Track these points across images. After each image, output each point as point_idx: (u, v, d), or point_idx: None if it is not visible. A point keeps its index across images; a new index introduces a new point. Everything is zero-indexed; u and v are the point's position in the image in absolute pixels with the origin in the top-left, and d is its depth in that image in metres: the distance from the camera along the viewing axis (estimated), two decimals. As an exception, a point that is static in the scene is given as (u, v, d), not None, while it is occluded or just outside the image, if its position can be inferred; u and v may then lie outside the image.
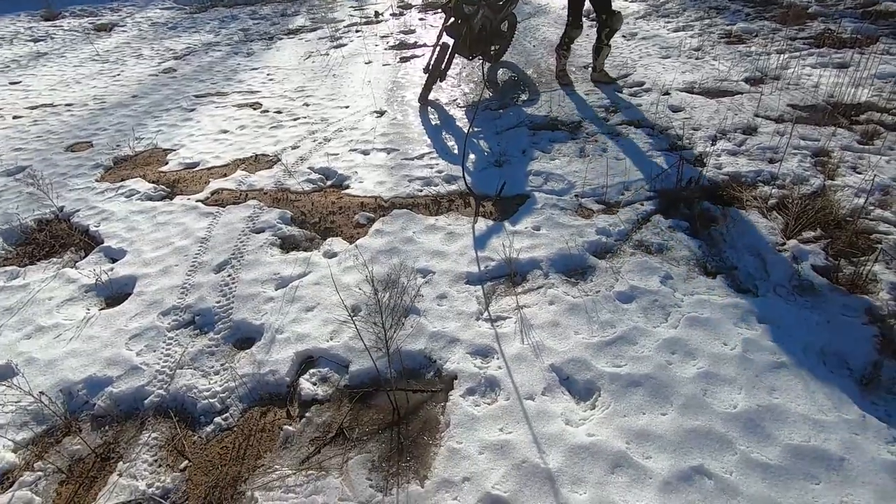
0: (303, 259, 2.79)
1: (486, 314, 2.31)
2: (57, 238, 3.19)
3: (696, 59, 4.80)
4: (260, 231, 3.07)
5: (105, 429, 2.02)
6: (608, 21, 4.10)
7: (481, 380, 2.00)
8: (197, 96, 5.50)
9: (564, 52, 4.56)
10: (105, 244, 3.09)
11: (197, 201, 3.44)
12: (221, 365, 2.23)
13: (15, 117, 5.25)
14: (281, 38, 7.63)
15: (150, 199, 3.54)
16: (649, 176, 3.14)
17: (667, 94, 4.17)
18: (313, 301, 2.48)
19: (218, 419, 2.00)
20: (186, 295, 2.62)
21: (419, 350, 2.16)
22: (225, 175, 3.77)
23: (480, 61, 5.16)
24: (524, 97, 4.60)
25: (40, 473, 1.86)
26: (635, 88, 4.40)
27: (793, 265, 2.35)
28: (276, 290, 2.60)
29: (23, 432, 2.00)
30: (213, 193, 3.54)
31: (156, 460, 1.88)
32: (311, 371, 2.16)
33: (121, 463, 1.86)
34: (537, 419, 1.82)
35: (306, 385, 2.09)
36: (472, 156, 3.67)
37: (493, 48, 5.18)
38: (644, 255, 2.55)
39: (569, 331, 2.16)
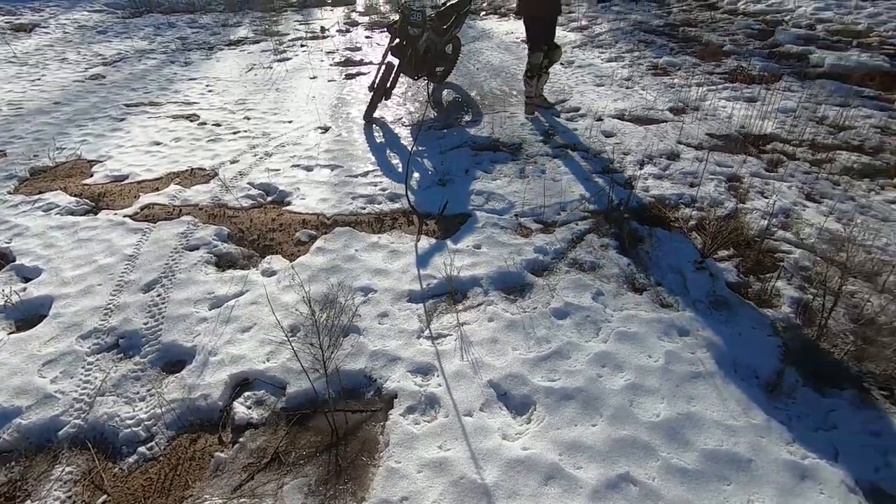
0: (240, 277, 2.70)
1: (427, 332, 2.34)
2: (-40, 255, 2.92)
3: (627, 88, 5.14)
4: (194, 248, 2.95)
5: (11, 465, 1.85)
6: (549, 53, 4.44)
7: (421, 398, 2.01)
8: (128, 105, 5.23)
9: (528, 79, 4.59)
10: (17, 262, 2.86)
11: (125, 216, 3.26)
12: (148, 390, 2.11)
13: (-87, 121, 4.77)
14: (222, 49, 7.42)
15: (72, 213, 3.32)
16: (584, 197, 3.31)
17: (600, 119, 4.43)
18: (250, 321, 2.41)
19: (142, 448, 1.89)
20: (110, 316, 2.46)
21: (359, 369, 2.15)
22: (157, 189, 3.60)
23: (426, 82, 5.26)
24: (468, 118, 4.73)
25: (-70, 519, 1.67)
26: (571, 113, 4.65)
27: (709, 282, 2.55)
28: (210, 310, 2.51)
29: (-90, 473, 1.80)
30: (143, 208, 3.37)
31: (70, 497, 1.74)
32: (246, 394, 2.09)
33: (28, 502, 1.71)
34: (475, 435, 1.86)
35: (240, 409, 2.02)
36: (415, 174, 3.73)
37: (438, 69, 5.31)
38: (578, 272, 2.67)
39: (507, 347, 2.22)
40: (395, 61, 4.57)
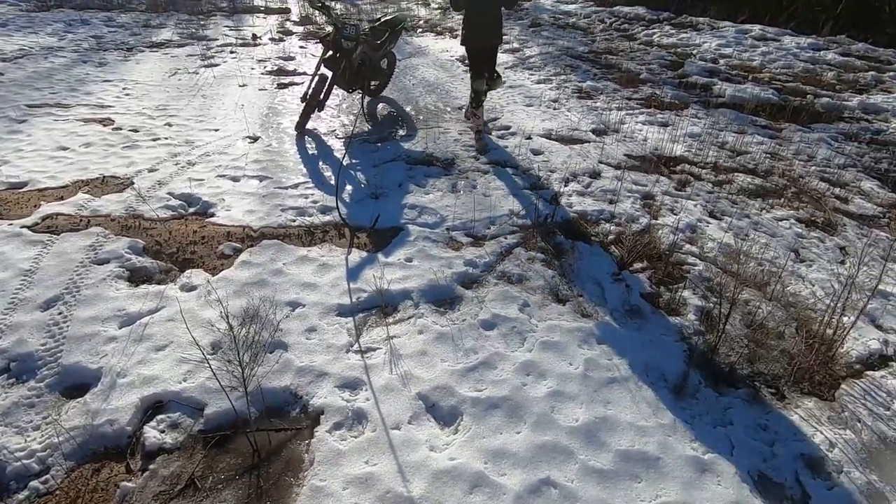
0: (155, 293, 2.55)
1: (356, 346, 2.32)
2: None
3: (554, 109, 5.42)
4: (103, 262, 2.74)
5: None
6: (490, 81, 4.53)
7: (349, 413, 1.99)
8: (30, 106, 4.79)
9: (475, 110, 4.58)
10: None
11: (22, 227, 2.97)
12: (43, 418, 1.92)
13: None
14: (143, 51, 7.00)
15: (-43, 223, 2.98)
16: (513, 212, 3.44)
17: (529, 138, 4.64)
18: (165, 339, 2.27)
19: (35, 483, 1.72)
20: (0, 338, 2.23)
21: (284, 387, 2.09)
22: (62, 198, 3.32)
23: (360, 95, 5.26)
24: (402, 132, 4.78)
25: None
26: (502, 131, 4.83)
27: (625, 292, 2.73)
28: (120, 328, 2.34)
29: None
30: (44, 219, 3.08)
31: (-58, 543, 1.55)
32: (159, 417, 1.96)
33: None
34: (403, 448, 1.86)
35: (152, 433, 1.89)
36: (348, 187, 3.70)
37: (372, 83, 5.33)
38: (506, 284, 2.77)
39: (436, 359, 2.25)
40: (329, 73, 4.54)
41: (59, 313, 2.38)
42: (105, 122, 4.60)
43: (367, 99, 5.38)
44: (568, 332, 2.43)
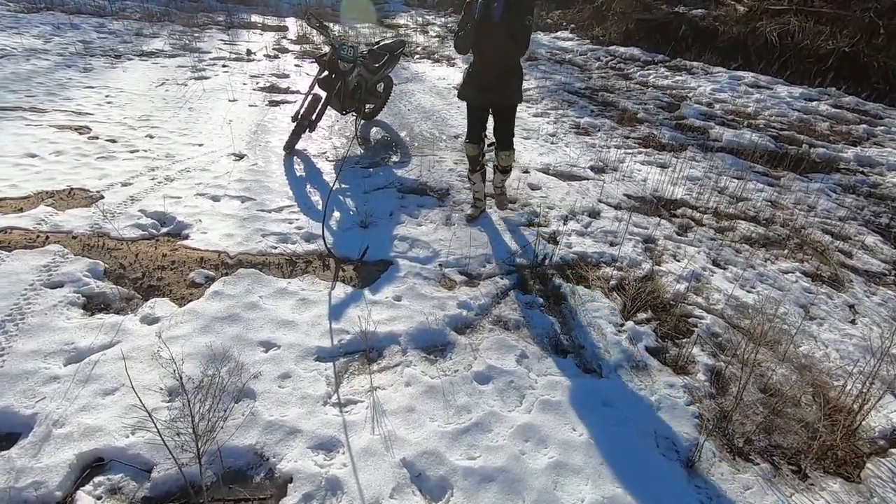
0: (111, 325, 2.27)
1: (335, 398, 2.06)
2: None
3: (552, 143, 5.32)
4: (57, 286, 2.46)
5: None
6: (499, 155, 3.44)
7: (321, 481, 1.72)
8: (2, 109, 4.51)
9: (471, 176, 3.54)
10: None
11: (-30, 241, 2.67)
12: (-43, 476, 1.62)
13: None
14: (131, 59, 6.78)
15: None
16: (509, 250, 3.25)
17: (526, 171, 4.49)
18: (116, 381, 1.99)
19: (-69, 563, 1.41)
20: (-79, 372, 1.92)
21: (249, 445, 1.82)
22: (20, 210, 3.03)
23: (354, 117, 5.09)
24: (395, 158, 4.60)
25: None
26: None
27: (630, 346, 2.53)
28: (65, 365, 2.05)
29: None
30: (-4, 232, 2.79)
31: None
32: (98, 479, 1.68)
33: None
34: (382, 530, 1.59)
35: (87, 501, 1.60)
36: (336, 214, 3.48)
37: (367, 106, 5.17)
38: (502, 331, 2.55)
39: (424, 417, 2.00)
40: (323, 94, 4.37)
41: (-3, 344, 2.09)
42: (81, 129, 4.34)
43: (360, 122, 5.21)
44: (570, 390, 2.21)
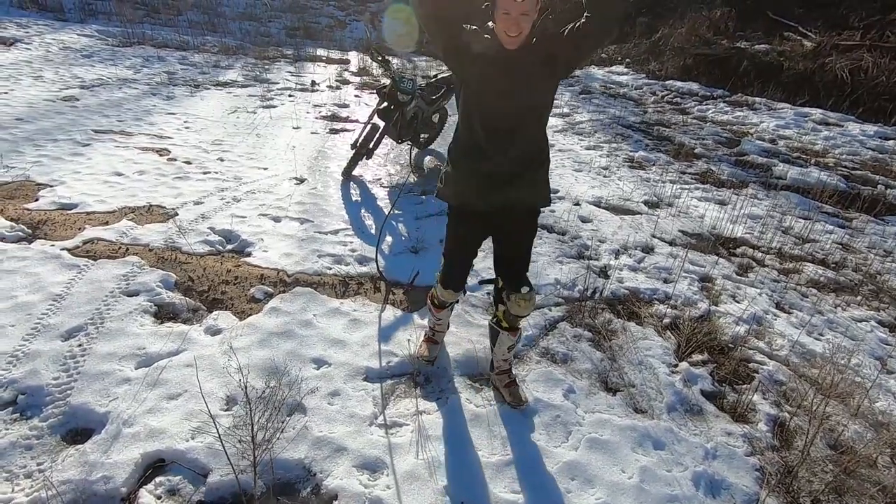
0: (178, 333, 2.42)
1: (380, 418, 2.09)
2: None
3: (604, 176, 5.28)
4: (134, 294, 2.66)
5: None
6: (513, 301, 2.04)
7: (365, 502, 1.74)
8: (96, 131, 4.99)
9: (435, 312, 2.33)
10: (-80, 289, 2.49)
11: (62, 249, 2.95)
12: (38, 465, 1.76)
13: None
14: (208, 88, 7.36)
15: (2, 239, 2.99)
16: (559, 281, 3.22)
17: (577, 204, 4.47)
18: (180, 387, 2.11)
19: (11, 545, 1.52)
20: (14, 366, 2.12)
21: (298, 459, 1.87)
22: (106, 223, 3.32)
23: (409, 146, 5.27)
24: (447, 187, 4.70)
25: None
26: (550, 195, 4.68)
27: (684, 388, 2.43)
28: (136, 369, 2.20)
29: None
30: (85, 242, 3.07)
31: None
32: (159, 479, 1.77)
33: None
34: (423, 557, 1.58)
35: (148, 499, 1.69)
36: (388, 239, 3.59)
37: (422, 136, 5.35)
38: (549, 364, 2.51)
39: (468, 446, 2.00)
40: (381, 123, 4.57)
41: (79, 345, 2.27)
42: (162, 152, 4.73)
43: (415, 151, 5.39)
44: (619, 429, 2.14)
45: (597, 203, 4.56)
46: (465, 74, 1.85)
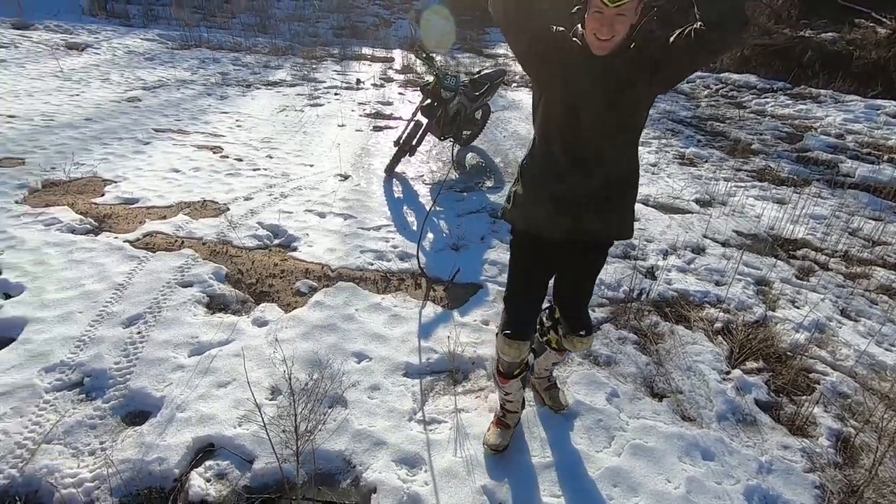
0: (228, 324, 2.52)
1: (419, 414, 2.10)
2: (-55, 261, 2.78)
3: (653, 174, 5.09)
4: (188, 285, 2.79)
5: (-76, 516, 1.60)
6: (570, 341, 1.87)
7: (404, 496, 1.75)
8: (156, 130, 5.28)
9: (503, 385, 1.93)
10: (2, 276, 2.71)
11: (125, 241, 3.13)
12: (101, 443, 1.88)
13: (-55, 120, 4.82)
14: (259, 88, 7.63)
15: (73, 231, 3.20)
16: (602, 282, 3.13)
17: (624, 202, 4.33)
18: (229, 376, 2.20)
19: (76, 517, 1.63)
20: (82, 349, 2.27)
21: (339, 451, 1.90)
22: (164, 217, 3.50)
23: (451, 143, 5.27)
24: (489, 183, 4.67)
25: None
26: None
27: (737, 397, 2.31)
28: (189, 356, 2.30)
29: None
30: (145, 235, 3.24)
31: (-22, 568, 1.48)
32: (208, 463, 1.85)
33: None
34: (460, 555, 1.58)
35: (198, 481, 1.77)
36: (430, 235, 3.60)
37: (464, 133, 5.33)
38: (592, 366, 2.45)
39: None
40: (424, 120, 4.59)
41: (138, 332, 2.41)
42: (215, 149, 4.94)
43: (457, 147, 5.38)
44: (665, 437, 2.06)
45: (644, 201, 4.40)
46: (545, 84, 1.62)
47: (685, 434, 2.08)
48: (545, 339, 2.06)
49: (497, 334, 1.88)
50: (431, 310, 2.77)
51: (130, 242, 3.14)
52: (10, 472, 1.73)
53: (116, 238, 3.16)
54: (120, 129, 5.15)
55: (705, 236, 3.81)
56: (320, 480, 1.82)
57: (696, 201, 4.47)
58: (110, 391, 2.09)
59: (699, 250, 3.62)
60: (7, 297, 2.59)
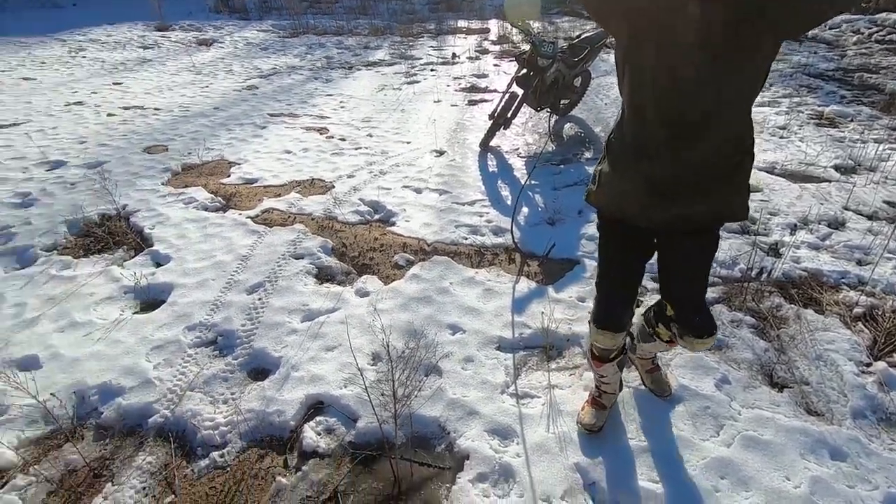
0: (335, 294, 2.72)
1: (512, 388, 2.12)
2: (113, 235, 3.31)
3: (781, 137, 4.49)
4: (299, 257, 3.04)
5: (105, 441, 1.97)
6: (688, 341, 1.57)
7: (495, 466, 1.80)
8: (271, 115, 5.75)
9: (598, 369, 1.84)
10: (154, 247, 3.17)
11: (247, 217, 3.49)
12: (232, 394, 2.15)
13: (109, 115, 5.68)
14: (359, 69, 7.94)
15: (206, 209, 3.64)
16: (716, 259, 2.86)
17: (744, 171, 3.89)
18: (335, 341, 2.38)
19: (214, 454, 1.90)
20: (215, 312, 2.59)
21: (434, 417, 1.99)
22: (278, 195, 3.83)
23: (548, 113, 5.08)
24: (588, 155, 4.45)
25: (33, 479, 1.81)
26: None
27: (879, 393, 2.01)
28: (301, 322, 2.53)
29: (30, 430, 1.99)
30: (263, 212, 3.59)
31: (144, 488, 1.79)
32: (318, 419, 2.03)
33: (109, 484, 1.79)
34: (551, 528, 1.59)
35: (310, 434, 1.96)
36: (524, 209, 3.54)
37: (562, 102, 5.11)
38: (699, 349, 2.27)
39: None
40: (520, 91, 4.46)
41: (259, 299, 2.69)
42: (322, 130, 5.26)
43: (554, 118, 5.18)
44: (785, 431, 1.86)
45: (770, 169, 3.92)
46: (632, 43, 1.30)
47: (810, 429, 1.87)
48: (651, 331, 1.78)
49: (589, 322, 1.75)
50: (525, 285, 2.75)
51: (252, 218, 3.49)
52: (165, 412, 2.05)
53: (240, 214, 3.53)
54: (241, 116, 5.69)
55: (846, 208, 3.31)
56: (417, 443, 1.92)
57: (836, 168, 3.88)
58: (238, 349, 2.38)
59: (837, 224, 3.15)
60: (158, 265, 3.03)
